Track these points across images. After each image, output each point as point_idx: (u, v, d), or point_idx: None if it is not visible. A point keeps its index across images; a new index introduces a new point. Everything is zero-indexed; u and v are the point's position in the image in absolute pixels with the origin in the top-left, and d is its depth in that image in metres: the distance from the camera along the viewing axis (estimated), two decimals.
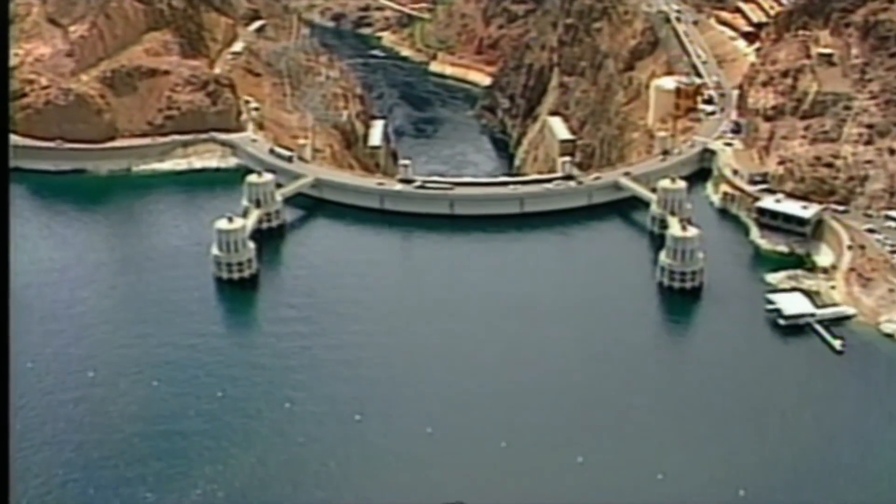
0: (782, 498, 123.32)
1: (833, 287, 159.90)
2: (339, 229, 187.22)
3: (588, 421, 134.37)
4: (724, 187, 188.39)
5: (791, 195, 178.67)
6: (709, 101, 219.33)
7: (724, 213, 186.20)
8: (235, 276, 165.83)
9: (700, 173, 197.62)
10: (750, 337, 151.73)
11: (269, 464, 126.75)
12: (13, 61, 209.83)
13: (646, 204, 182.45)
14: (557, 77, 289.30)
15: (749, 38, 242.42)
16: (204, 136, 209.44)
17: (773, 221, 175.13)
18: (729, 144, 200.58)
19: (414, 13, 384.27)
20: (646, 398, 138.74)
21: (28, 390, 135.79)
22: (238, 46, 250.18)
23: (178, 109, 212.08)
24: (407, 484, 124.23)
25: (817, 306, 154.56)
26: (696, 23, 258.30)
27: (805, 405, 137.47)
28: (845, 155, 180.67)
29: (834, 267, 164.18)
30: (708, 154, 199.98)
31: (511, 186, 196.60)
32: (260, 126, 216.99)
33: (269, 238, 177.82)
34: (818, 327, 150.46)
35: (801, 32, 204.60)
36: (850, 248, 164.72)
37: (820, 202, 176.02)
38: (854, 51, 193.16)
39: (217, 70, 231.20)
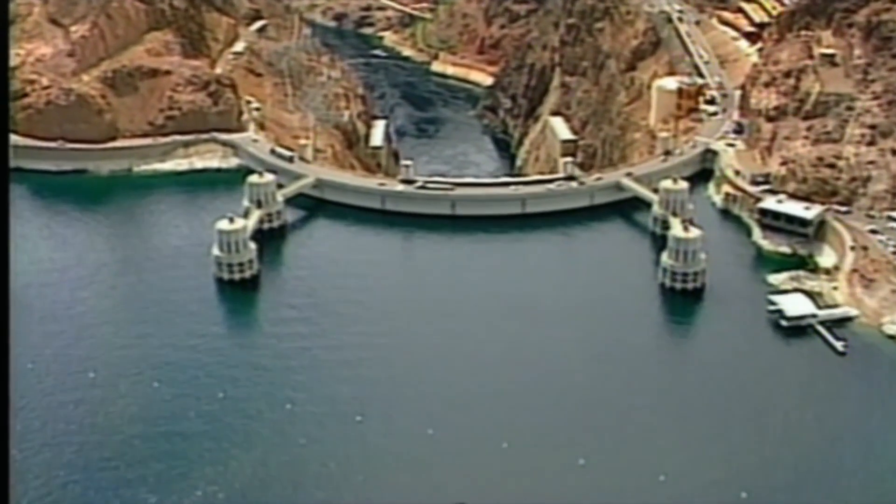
0: (784, 499, 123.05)
1: (835, 288, 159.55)
2: (340, 230, 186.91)
3: (590, 422, 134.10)
4: (726, 188, 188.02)
5: (793, 196, 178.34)
6: (711, 102, 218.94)
7: (726, 213, 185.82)
8: (236, 276, 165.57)
9: (702, 174, 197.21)
10: (752, 338, 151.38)
11: (270, 465, 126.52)
12: (14, 61, 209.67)
13: (648, 204, 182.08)
14: (559, 77, 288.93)
15: (751, 38, 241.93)
16: (205, 136, 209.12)
17: (775, 222, 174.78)
18: (731, 145, 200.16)
19: (416, 13, 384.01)
20: (647, 399, 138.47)
21: (28, 391, 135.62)
22: (239, 46, 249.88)
23: (180, 109, 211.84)
24: (408, 485, 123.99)
25: (819, 307, 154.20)
26: (698, 23, 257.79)
27: (807, 407, 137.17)
28: (848, 156, 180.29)
29: (836, 268, 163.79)
30: (710, 154, 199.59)
31: (512, 187, 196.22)
32: (261, 126, 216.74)
33: (270, 238, 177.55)
34: (820, 328, 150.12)
35: (803, 33, 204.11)
36: (852, 249, 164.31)
37: (822, 203, 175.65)
38: (856, 51, 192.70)
39: (218, 70, 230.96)
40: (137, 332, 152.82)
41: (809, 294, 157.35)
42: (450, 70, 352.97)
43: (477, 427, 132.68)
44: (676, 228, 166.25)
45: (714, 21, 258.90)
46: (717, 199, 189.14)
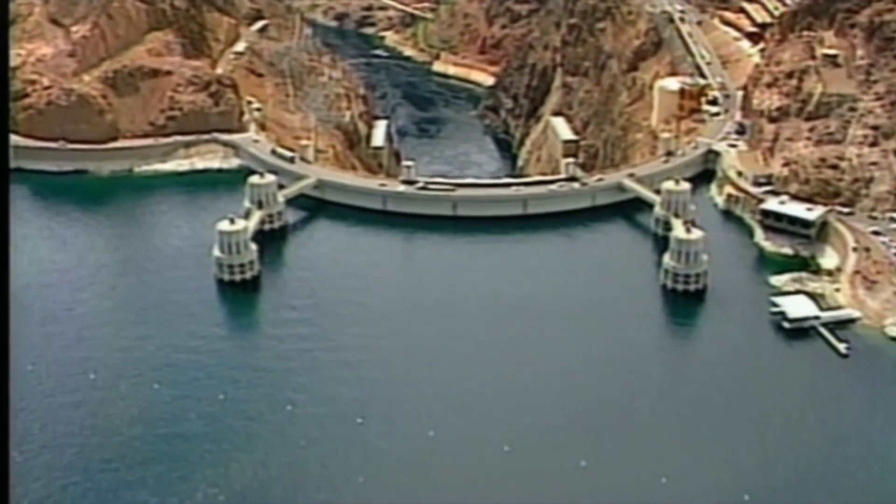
0: (787, 501, 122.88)
1: (838, 290, 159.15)
2: (341, 231, 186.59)
3: (591, 423, 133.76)
4: (729, 189, 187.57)
5: (795, 197, 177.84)
6: (713, 102, 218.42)
7: (728, 214, 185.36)
8: (237, 277, 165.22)
9: (704, 175, 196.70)
10: (754, 340, 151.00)
11: (271, 466, 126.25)
12: (15, 61, 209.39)
13: (649, 206, 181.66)
14: (561, 77, 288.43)
15: (753, 38, 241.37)
16: (206, 136, 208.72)
17: (777, 223, 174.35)
18: (733, 146, 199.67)
19: (417, 13, 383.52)
20: (649, 401, 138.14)
21: (28, 393, 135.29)
22: (240, 46, 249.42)
23: (181, 110, 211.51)
24: (409, 487, 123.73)
25: (822, 309, 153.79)
26: (699, 23, 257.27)
27: (809, 409, 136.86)
28: (850, 157, 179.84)
29: (839, 269, 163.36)
30: (712, 155, 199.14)
31: (514, 188, 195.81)
32: (262, 127, 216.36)
33: (270, 239, 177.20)
34: (823, 330, 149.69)
35: (805, 33, 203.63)
36: (854, 250, 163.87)
37: (825, 204, 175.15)
38: (859, 52, 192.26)
39: (219, 70, 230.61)
40: (138, 333, 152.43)
41: (812, 296, 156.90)
42: (451, 70, 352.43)
43: (478, 428, 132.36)
44: (678, 229, 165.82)
45: (716, 21, 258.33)
46: (720, 201, 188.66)
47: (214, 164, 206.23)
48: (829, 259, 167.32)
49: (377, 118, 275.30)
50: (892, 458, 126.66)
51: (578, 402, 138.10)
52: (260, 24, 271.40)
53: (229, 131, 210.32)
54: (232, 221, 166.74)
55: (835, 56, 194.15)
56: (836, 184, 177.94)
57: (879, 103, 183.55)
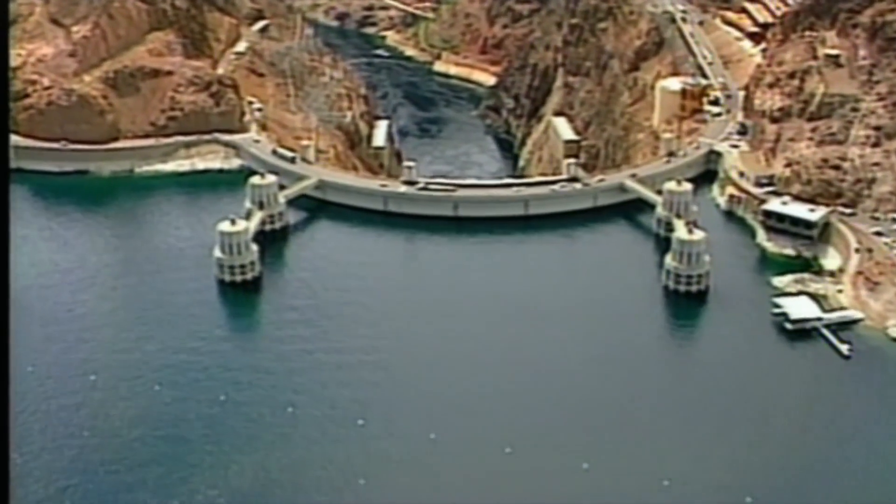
0: (789, 503, 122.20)
1: (840, 291, 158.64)
2: (342, 231, 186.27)
3: (593, 425, 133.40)
4: (731, 189, 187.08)
5: (798, 198, 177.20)
6: (714, 103, 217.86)
7: (730, 215, 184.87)
8: (238, 278, 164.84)
9: (706, 175, 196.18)
10: (756, 341, 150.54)
11: (271, 468, 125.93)
12: (16, 61, 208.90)
13: (651, 206, 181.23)
14: (562, 77, 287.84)
15: (755, 38, 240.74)
16: (207, 137, 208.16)
17: (779, 224, 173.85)
18: (735, 146, 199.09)
19: (418, 13, 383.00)
20: (651, 402, 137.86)
21: (28, 394, 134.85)
22: (241, 46, 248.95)
23: (181, 110, 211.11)
24: (410, 489, 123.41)
25: (824, 310, 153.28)
26: (701, 23, 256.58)
27: (812, 410, 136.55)
28: (852, 157, 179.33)
29: (841, 270, 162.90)
30: (714, 156, 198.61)
31: (515, 188, 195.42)
32: (263, 127, 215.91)
33: (271, 240, 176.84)
34: (825, 331, 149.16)
35: (807, 33, 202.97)
36: (857, 251, 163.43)
37: (827, 205, 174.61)
38: (861, 52, 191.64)
39: (220, 70, 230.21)
40: (138, 334, 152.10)
41: (814, 297, 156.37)
42: (452, 70, 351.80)
43: (479, 430, 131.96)
44: (680, 230, 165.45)
45: (718, 21, 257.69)
46: (721, 201, 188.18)
47: (215, 164, 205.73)
48: (831, 260, 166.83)
49: (378, 118, 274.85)
50: (894, 460, 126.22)
51: (580, 403, 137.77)
52: (261, 24, 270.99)
53: (230, 132, 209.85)
54: (233, 222, 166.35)
55: (837, 56, 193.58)
56: (839, 184, 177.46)
57: (882, 104, 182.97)
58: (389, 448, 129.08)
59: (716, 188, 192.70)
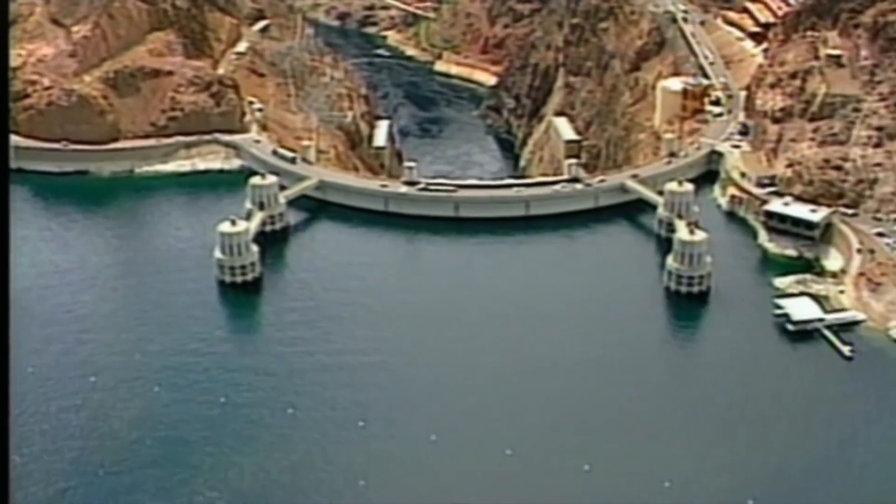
0: None
1: (842, 292, 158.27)
2: (342, 232, 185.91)
3: (594, 427, 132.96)
4: (732, 190, 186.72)
5: (799, 198, 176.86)
6: (716, 103, 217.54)
7: (731, 216, 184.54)
8: (238, 279, 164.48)
9: (707, 176, 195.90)
10: (758, 342, 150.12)
11: (272, 470, 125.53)
12: (16, 62, 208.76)
13: (653, 207, 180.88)
14: (563, 77, 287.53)
15: (756, 38, 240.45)
16: (207, 137, 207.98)
17: (781, 225, 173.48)
18: (736, 147, 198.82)
19: (419, 12, 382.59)
20: (653, 404, 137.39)
21: (28, 396, 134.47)
22: (242, 46, 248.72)
23: (182, 110, 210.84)
24: (411, 491, 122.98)
25: (826, 311, 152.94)
26: (702, 23, 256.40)
27: (814, 412, 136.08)
28: (854, 158, 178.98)
29: (843, 271, 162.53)
30: (715, 156, 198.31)
31: (516, 189, 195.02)
32: (264, 127, 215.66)
33: (272, 241, 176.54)
34: (827, 333, 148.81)
35: (809, 33, 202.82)
36: (859, 252, 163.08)
37: (829, 205, 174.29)
38: (863, 52, 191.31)
39: (221, 70, 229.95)
40: (138, 335, 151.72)
41: (816, 298, 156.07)
42: (453, 70, 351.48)
43: (480, 431, 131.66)
44: (682, 231, 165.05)
45: (719, 21, 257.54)
46: (723, 202, 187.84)
47: (216, 164, 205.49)
48: (833, 261, 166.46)
49: (379, 118, 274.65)
50: None
51: (581, 404, 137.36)
52: (262, 23, 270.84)
53: (231, 132, 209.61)
54: (233, 223, 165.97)
55: (838, 56, 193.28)
56: (840, 185, 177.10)
57: (884, 104, 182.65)
58: (390, 449, 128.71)
59: (717, 189, 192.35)
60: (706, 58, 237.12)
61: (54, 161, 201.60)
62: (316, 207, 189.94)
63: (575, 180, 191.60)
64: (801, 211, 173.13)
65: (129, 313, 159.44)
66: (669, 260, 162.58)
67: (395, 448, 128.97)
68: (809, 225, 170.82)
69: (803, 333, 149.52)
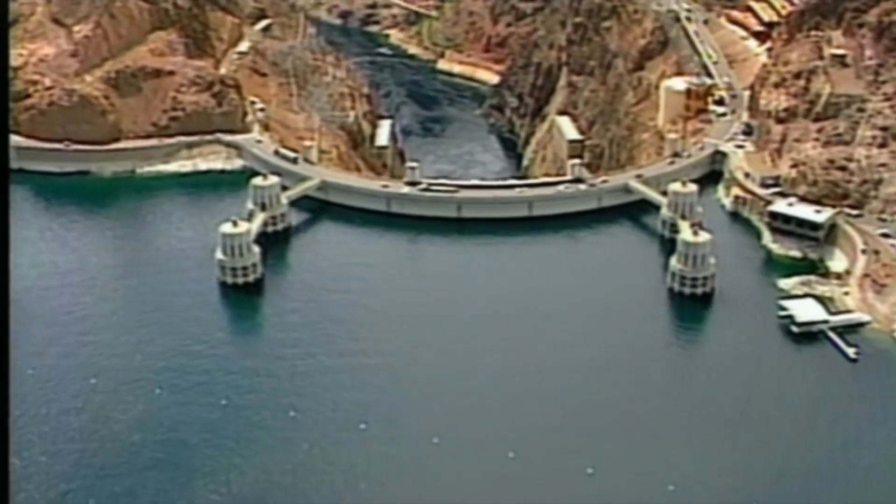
0: None
1: (847, 293, 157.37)
2: (344, 233, 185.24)
3: (597, 429, 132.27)
4: (736, 190, 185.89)
5: (804, 199, 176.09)
6: (719, 103, 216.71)
7: (735, 216, 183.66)
8: (240, 280, 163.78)
9: (711, 176, 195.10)
10: (762, 344, 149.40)
11: (273, 472, 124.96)
12: (17, 61, 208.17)
13: (656, 207, 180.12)
14: (566, 76, 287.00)
15: (760, 37, 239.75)
16: (209, 137, 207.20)
17: (785, 226, 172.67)
18: (740, 147, 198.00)
19: (421, 11, 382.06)
20: (656, 406, 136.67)
21: (28, 398, 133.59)
22: (244, 46, 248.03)
23: (183, 110, 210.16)
24: (412, 494, 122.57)
25: (831, 313, 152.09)
26: (706, 22, 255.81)
27: (818, 414, 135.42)
28: (859, 158, 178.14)
29: (848, 272, 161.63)
30: (719, 156, 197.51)
31: (519, 189, 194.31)
32: (266, 127, 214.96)
33: (274, 242, 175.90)
34: (832, 334, 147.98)
35: (813, 33, 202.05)
36: (864, 253, 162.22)
37: (833, 206, 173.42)
38: (867, 52, 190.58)
39: (222, 70, 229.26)
40: (139, 337, 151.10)
41: (820, 299, 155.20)
42: (456, 68, 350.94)
43: (483, 434, 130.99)
44: (685, 232, 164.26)
45: (722, 20, 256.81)
46: (727, 202, 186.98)
47: (217, 165, 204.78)
48: (837, 262, 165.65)
49: (381, 117, 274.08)
50: None
51: (584, 406, 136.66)
52: (263, 23, 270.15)
53: (232, 132, 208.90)
54: (235, 223, 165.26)
55: (843, 56, 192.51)
56: (845, 185, 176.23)
57: (888, 104, 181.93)
58: (392, 451, 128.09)
59: (721, 189, 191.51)
60: (710, 57, 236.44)
61: (55, 161, 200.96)
62: (318, 208, 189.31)
63: (578, 180, 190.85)
64: (805, 211, 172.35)
65: (129, 314, 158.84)
66: (673, 261, 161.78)
67: (396, 450, 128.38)
68: (814, 226, 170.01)
69: (808, 335, 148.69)
